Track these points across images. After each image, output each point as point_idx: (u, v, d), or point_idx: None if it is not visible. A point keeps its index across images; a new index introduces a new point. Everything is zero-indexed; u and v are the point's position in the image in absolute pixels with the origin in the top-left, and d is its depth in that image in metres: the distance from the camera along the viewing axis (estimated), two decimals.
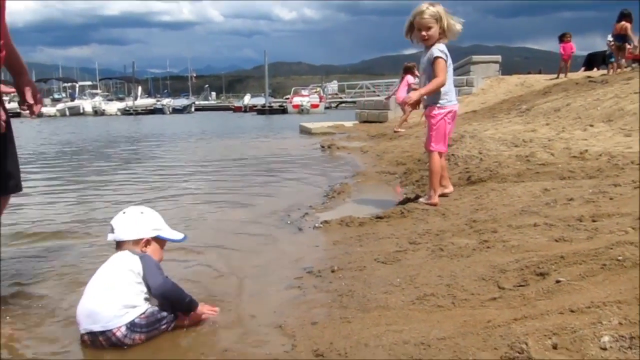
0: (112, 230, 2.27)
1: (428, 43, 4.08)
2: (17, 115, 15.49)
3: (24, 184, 2.73)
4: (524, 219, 3.12)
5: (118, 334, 2.02)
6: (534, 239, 2.71)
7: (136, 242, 2.25)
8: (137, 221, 2.27)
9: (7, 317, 2.43)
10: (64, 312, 2.47)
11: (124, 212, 2.31)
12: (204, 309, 2.29)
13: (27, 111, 2.64)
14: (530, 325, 1.73)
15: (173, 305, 2.18)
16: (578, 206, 3.19)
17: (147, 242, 2.28)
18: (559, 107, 8.11)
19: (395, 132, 11.17)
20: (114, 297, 2.06)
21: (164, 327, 2.15)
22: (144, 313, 2.09)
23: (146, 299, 2.14)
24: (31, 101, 2.59)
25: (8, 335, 2.24)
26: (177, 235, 2.39)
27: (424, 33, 4.04)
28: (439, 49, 4.04)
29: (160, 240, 2.33)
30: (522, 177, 4.52)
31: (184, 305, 2.19)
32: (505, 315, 1.88)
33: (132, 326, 2.04)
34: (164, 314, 2.15)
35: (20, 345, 2.17)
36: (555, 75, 14.93)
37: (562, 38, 15.26)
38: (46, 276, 3.05)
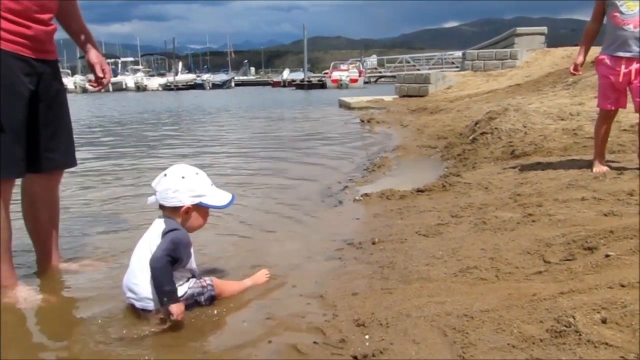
0: (154, 192, 2.15)
1: None
2: None
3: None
4: (571, 193, 3.04)
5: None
6: (582, 213, 2.63)
7: (175, 209, 2.12)
8: (177, 187, 2.09)
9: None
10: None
11: (165, 175, 2.13)
12: (257, 278, 2.36)
13: (96, 85, 2.70)
14: (578, 299, 1.69)
15: (154, 285, 1.99)
16: (628, 180, 3.09)
17: (188, 209, 2.12)
18: None
19: None
20: (148, 279, 2.00)
21: (202, 302, 2.11)
22: (182, 296, 2.03)
23: (185, 278, 2.08)
24: (100, 74, 2.64)
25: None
26: (222, 201, 2.20)
27: None
28: None
29: (202, 207, 2.17)
30: (569, 151, 4.39)
31: (161, 291, 1.95)
32: (552, 289, 1.85)
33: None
34: (204, 292, 2.10)
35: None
36: None
37: None
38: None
